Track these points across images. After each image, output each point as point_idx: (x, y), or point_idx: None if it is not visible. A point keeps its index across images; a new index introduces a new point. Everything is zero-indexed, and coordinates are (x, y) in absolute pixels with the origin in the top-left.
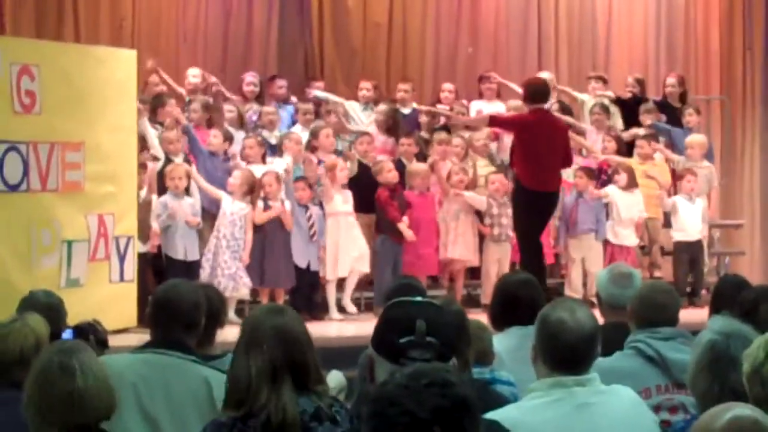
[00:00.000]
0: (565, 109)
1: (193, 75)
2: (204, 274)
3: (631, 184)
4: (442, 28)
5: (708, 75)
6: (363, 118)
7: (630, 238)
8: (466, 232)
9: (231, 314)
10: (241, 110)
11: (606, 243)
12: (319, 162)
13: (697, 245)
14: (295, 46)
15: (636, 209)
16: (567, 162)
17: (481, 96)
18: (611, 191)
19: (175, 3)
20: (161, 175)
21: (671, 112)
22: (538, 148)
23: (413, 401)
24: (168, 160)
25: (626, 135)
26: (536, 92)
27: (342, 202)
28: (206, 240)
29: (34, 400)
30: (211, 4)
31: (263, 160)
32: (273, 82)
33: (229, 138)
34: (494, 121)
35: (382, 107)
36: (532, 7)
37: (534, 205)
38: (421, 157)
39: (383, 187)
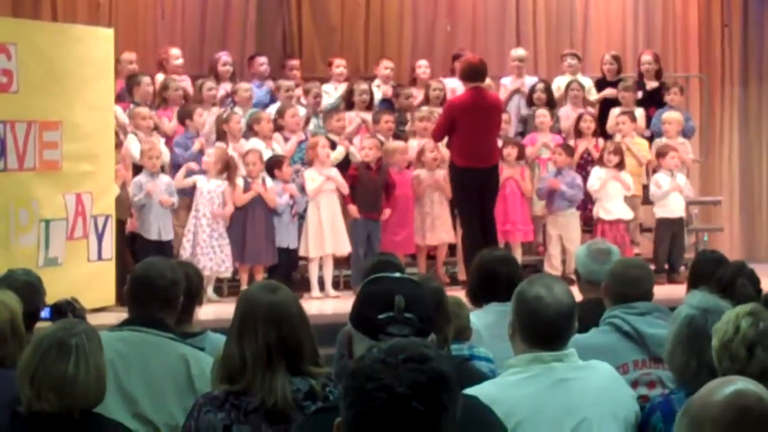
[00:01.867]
0: (548, 89)
1: (176, 56)
2: (185, 255)
3: (621, 165)
4: (419, 6)
5: (686, 53)
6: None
7: (623, 212)
8: (441, 214)
9: (210, 292)
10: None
11: (597, 220)
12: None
13: (678, 222)
14: (274, 24)
15: (621, 185)
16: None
17: (454, 73)
18: (598, 173)
19: None
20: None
21: (645, 88)
22: (470, 126)
23: (391, 376)
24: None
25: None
26: (470, 71)
27: (323, 181)
28: (181, 219)
29: (29, 370)
30: None
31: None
32: (253, 60)
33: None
34: (436, 135)
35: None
36: None
37: (468, 181)
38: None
39: (355, 165)
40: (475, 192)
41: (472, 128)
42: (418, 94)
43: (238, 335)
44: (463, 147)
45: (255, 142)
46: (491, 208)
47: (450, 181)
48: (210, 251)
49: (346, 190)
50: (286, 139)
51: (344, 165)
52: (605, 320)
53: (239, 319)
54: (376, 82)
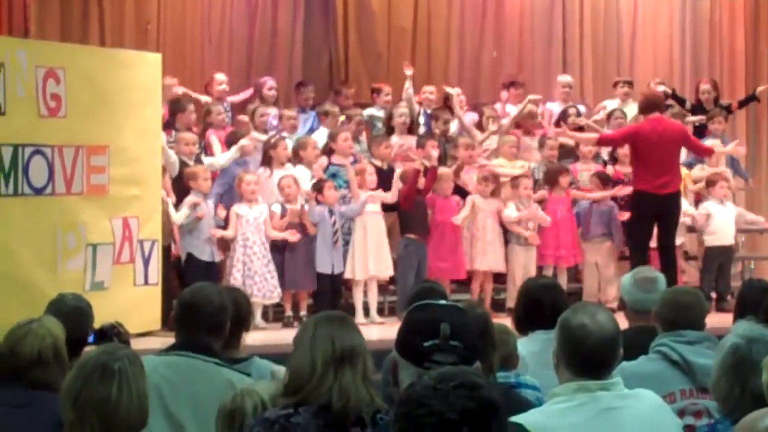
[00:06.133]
0: (579, 115)
1: (219, 82)
2: (237, 284)
3: None
4: (466, 32)
5: (733, 78)
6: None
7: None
8: (493, 240)
9: (258, 319)
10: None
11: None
12: (329, 165)
13: (728, 250)
14: (320, 50)
15: None
16: (701, 153)
17: (500, 100)
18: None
19: (200, 6)
20: (179, 178)
21: (705, 114)
22: (652, 154)
23: (441, 402)
24: (183, 163)
25: None
26: (647, 103)
27: (370, 202)
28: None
29: (72, 394)
30: (236, 7)
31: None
32: (299, 90)
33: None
34: (602, 141)
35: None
36: (556, 10)
37: (645, 206)
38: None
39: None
40: (651, 218)
41: (653, 156)
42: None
43: (311, 344)
44: (645, 173)
45: (300, 169)
46: (671, 237)
47: (630, 206)
48: (262, 279)
49: (388, 198)
50: (330, 164)
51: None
52: (654, 348)
53: (312, 330)
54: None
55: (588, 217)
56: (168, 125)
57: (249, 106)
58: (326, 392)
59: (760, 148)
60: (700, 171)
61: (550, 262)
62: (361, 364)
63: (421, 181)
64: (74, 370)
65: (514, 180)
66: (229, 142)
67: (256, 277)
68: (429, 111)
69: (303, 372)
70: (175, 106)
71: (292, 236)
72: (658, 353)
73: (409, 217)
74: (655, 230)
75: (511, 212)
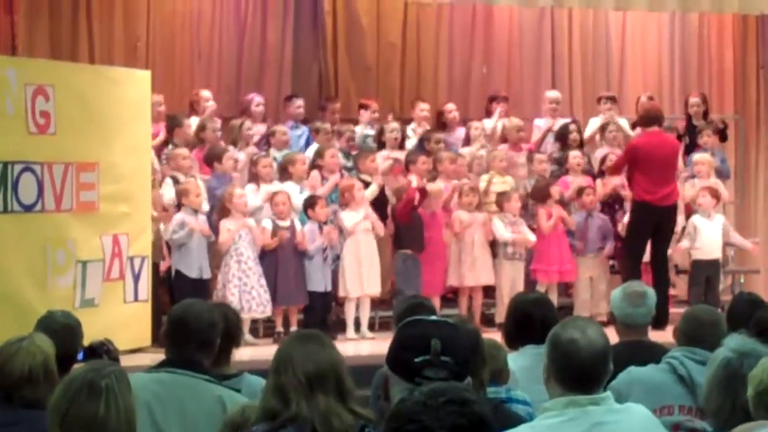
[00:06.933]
0: (581, 131)
1: (206, 98)
2: (235, 301)
3: None
4: (455, 48)
5: (722, 94)
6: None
7: None
8: (482, 254)
9: (247, 334)
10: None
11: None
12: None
13: (714, 264)
14: (309, 65)
15: None
16: None
17: (489, 115)
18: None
19: (189, 23)
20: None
21: (695, 130)
22: (653, 167)
23: (432, 418)
24: (175, 180)
25: None
26: (648, 117)
27: (361, 218)
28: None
29: (59, 411)
30: (225, 23)
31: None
32: (290, 102)
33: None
34: (613, 170)
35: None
36: (545, 27)
37: (645, 216)
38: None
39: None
40: (649, 230)
41: (653, 169)
42: (449, 136)
43: (275, 370)
44: (647, 184)
45: (289, 185)
46: (665, 250)
47: (629, 216)
48: (256, 294)
49: (382, 232)
50: (324, 178)
51: (378, 204)
52: (666, 358)
53: (276, 358)
54: (412, 125)
55: (585, 232)
56: (162, 144)
57: (233, 121)
58: (307, 419)
59: (749, 162)
60: (691, 188)
61: (555, 280)
62: (332, 385)
63: (416, 197)
64: (61, 388)
65: (502, 195)
66: (207, 162)
67: (253, 291)
68: (420, 130)
69: (276, 397)
70: (172, 122)
71: (281, 237)
72: (668, 365)
73: (406, 233)
74: (648, 245)
75: (500, 229)
